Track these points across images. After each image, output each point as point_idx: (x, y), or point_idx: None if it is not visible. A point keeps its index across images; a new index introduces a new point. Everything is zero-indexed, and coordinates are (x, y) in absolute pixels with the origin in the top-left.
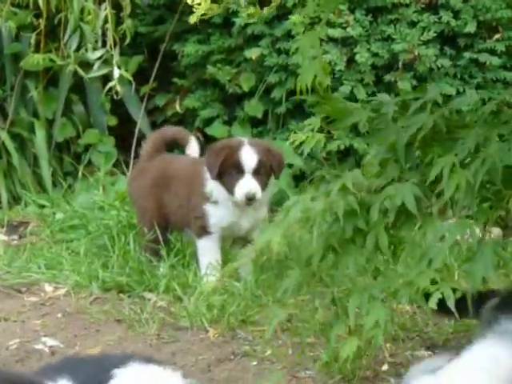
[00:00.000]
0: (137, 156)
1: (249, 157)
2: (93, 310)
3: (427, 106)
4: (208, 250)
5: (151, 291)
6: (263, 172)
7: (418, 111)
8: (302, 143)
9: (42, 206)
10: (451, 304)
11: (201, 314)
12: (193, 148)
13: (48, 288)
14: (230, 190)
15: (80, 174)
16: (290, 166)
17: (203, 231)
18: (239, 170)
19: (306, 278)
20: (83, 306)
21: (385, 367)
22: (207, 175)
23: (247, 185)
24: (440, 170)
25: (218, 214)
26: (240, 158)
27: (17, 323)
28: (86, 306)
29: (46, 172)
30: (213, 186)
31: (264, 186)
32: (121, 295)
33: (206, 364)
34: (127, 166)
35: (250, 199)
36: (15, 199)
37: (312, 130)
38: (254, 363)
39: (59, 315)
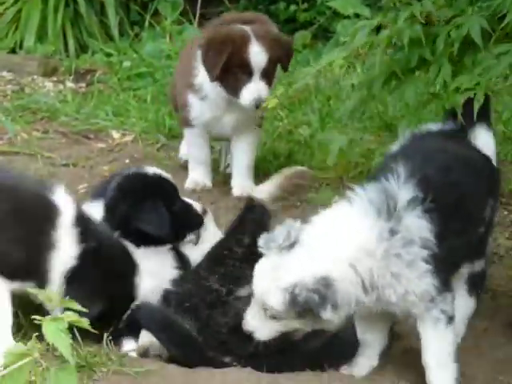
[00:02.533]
0: (203, 5)
1: (258, 55)
2: (160, 156)
3: None
4: (192, 145)
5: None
6: (272, 70)
7: None
8: None
9: (109, 55)
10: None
11: (267, 161)
12: None
13: (115, 134)
14: (234, 92)
15: (147, 22)
16: None
17: (185, 123)
18: (246, 71)
19: (365, 100)
20: (150, 152)
21: None
22: (199, 64)
23: (256, 89)
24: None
25: (202, 108)
26: (247, 57)
27: (85, 168)
28: (152, 153)
29: (112, 20)
30: (204, 80)
31: (270, 85)
32: None
33: None
34: (194, 15)
35: (259, 105)
36: (82, 48)
37: None
38: None
39: (127, 161)
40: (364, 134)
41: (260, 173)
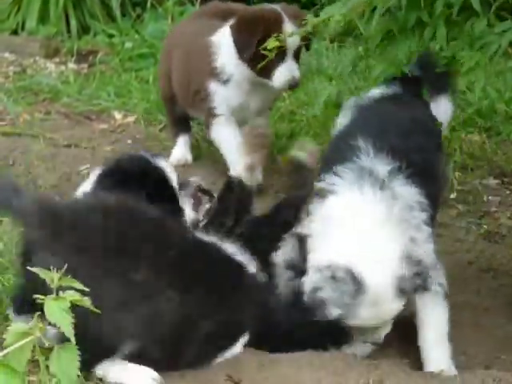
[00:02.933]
0: None
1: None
2: (162, 136)
3: None
4: (224, 136)
5: None
6: (300, 49)
7: None
8: None
9: (111, 36)
10: (478, 88)
11: None
12: None
13: (118, 115)
14: (265, 74)
15: (149, 3)
16: None
17: (210, 114)
18: (279, 52)
19: (361, 54)
20: (152, 132)
21: (453, 195)
22: (218, 46)
23: (290, 70)
24: None
25: (226, 93)
26: (281, 37)
27: (87, 149)
28: (155, 133)
29: (114, 1)
30: (227, 62)
31: (299, 64)
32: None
33: None
34: None
35: (294, 85)
36: (84, 29)
37: None
38: None
39: (129, 141)
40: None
41: None
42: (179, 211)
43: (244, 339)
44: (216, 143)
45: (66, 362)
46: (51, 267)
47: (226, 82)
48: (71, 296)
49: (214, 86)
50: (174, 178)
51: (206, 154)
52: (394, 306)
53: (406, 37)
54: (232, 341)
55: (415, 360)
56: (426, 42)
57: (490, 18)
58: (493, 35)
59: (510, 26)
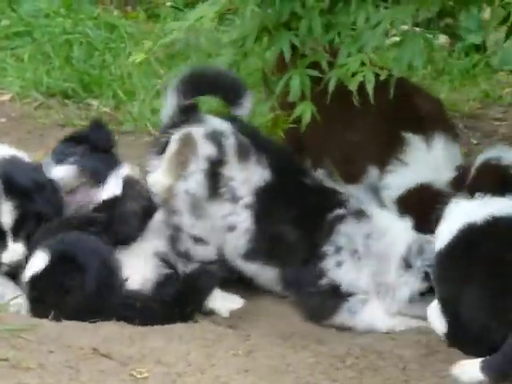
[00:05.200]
0: None
1: None
2: (37, 114)
3: None
4: None
5: (96, 98)
6: None
7: None
8: None
9: None
10: (370, 88)
11: (145, 118)
12: None
13: None
14: None
15: None
16: None
17: None
18: None
19: (238, 57)
20: (28, 111)
21: None
22: None
23: None
24: None
25: None
26: None
27: None
28: (30, 112)
29: None
30: None
31: None
32: (65, 101)
33: None
34: None
35: None
36: None
37: None
38: None
39: (3, 120)
40: None
41: (137, 131)
42: None
43: None
44: None
45: None
46: None
47: None
48: None
49: None
50: None
51: None
52: None
53: (283, 31)
54: None
55: (285, 330)
56: (303, 36)
57: (367, 8)
58: (369, 31)
59: (385, 15)
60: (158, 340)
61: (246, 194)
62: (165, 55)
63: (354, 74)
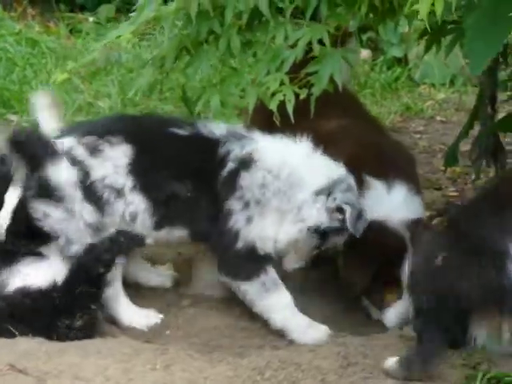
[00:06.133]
0: None
1: None
2: None
3: None
4: None
5: (16, 113)
6: None
7: None
8: None
9: None
10: (289, 107)
11: None
12: None
13: None
14: None
15: None
16: None
17: None
18: None
19: (159, 77)
20: None
21: None
22: None
23: None
24: None
25: None
26: None
27: None
28: None
29: None
30: None
31: None
32: None
33: None
34: None
35: None
36: None
37: None
38: None
39: None
40: (165, 106)
41: None
42: None
43: None
44: None
45: None
46: None
47: None
48: None
49: None
50: None
51: None
52: None
53: (202, 51)
54: None
55: (204, 343)
56: (222, 54)
57: (286, 26)
58: (288, 51)
59: (304, 33)
60: (75, 355)
61: (123, 181)
62: (86, 71)
63: (273, 94)
